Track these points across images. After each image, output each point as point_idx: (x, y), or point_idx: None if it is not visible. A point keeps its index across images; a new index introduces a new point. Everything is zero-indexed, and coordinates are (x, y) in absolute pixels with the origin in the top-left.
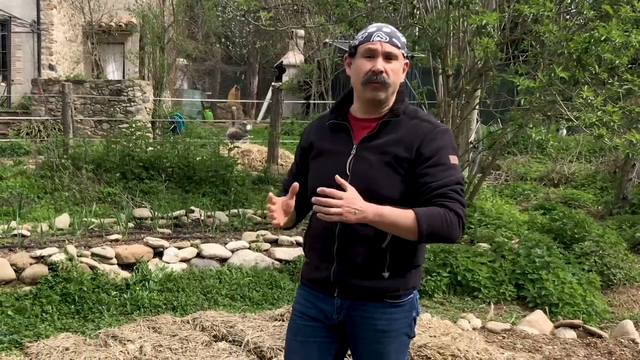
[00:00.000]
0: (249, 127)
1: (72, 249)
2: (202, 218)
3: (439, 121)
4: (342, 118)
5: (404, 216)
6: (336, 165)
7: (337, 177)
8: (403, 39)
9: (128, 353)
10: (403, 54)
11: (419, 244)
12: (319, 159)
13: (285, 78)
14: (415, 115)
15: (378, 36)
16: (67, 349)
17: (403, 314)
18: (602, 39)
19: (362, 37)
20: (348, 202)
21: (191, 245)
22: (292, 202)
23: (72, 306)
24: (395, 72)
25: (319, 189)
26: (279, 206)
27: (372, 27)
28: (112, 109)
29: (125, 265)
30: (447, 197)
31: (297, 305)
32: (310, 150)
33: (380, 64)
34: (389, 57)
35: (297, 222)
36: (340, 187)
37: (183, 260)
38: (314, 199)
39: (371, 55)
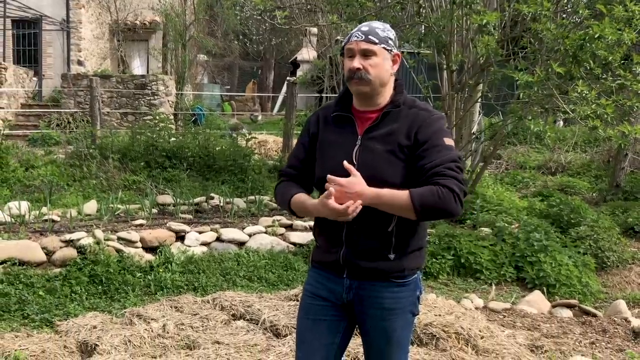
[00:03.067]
0: (259, 117)
1: (99, 233)
2: (222, 204)
3: (437, 110)
4: (346, 110)
5: (399, 196)
6: (343, 155)
7: (345, 162)
8: (385, 34)
9: (152, 331)
10: (385, 48)
11: (418, 224)
12: (325, 150)
13: (299, 73)
14: (413, 104)
15: (355, 36)
16: (94, 327)
17: (408, 293)
18: (596, 36)
19: (346, 39)
20: (347, 187)
21: (211, 230)
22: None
23: (100, 287)
24: (376, 67)
25: (328, 177)
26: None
27: (355, 29)
28: (136, 102)
29: (149, 249)
30: (441, 175)
31: (308, 286)
32: (314, 139)
33: (356, 62)
34: (366, 54)
35: None
36: (347, 172)
37: (203, 244)
38: (327, 185)
39: (351, 54)
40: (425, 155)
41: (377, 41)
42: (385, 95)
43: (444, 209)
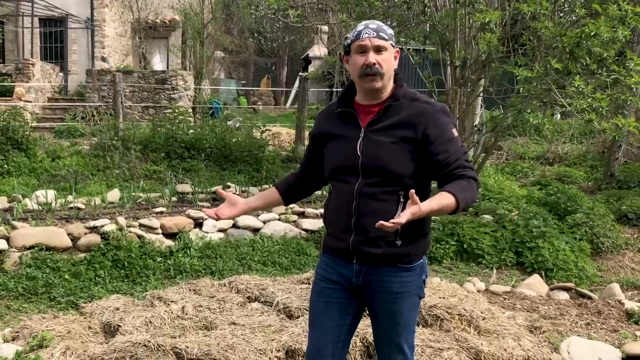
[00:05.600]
0: (260, 107)
1: (122, 220)
2: (238, 193)
3: (436, 101)
4: (349, 106)
5: (448, 203)
6: (348, 148)
7: (412, 192)
8: (390, 31)
9: (172, 312)
10: (392, 44)
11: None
12: (332, 144)
13: (311, 69)
14: (414, 97)
15: (366, 33)
16: (117, 308)
17: (414, 277)
18: (592, 34)
19: (353, 36)
20: (413, 216)
21: None
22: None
23: (122, 271)
24: (387, 62)
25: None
26: (227, 202)
27: (360, 26)
28: (157, 96)
29: (169, 235)
30: (463, 167)
31: (319, 271)
32: (321, 138)
33: (371, 57)
34: (378, 49)
35: (301, 198)
36: (354, 170)
37: (220, 230)
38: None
39: (363, 50)
40: (441, 150)
41: (386, 37)
42: (388, 89)
43: (475, 199)
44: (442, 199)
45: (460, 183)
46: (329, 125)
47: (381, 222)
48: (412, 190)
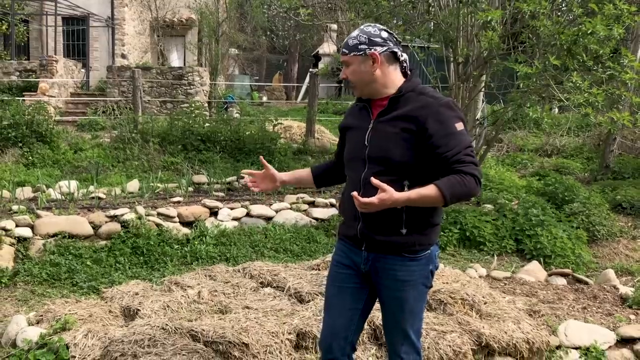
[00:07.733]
0: (264, 98)
1: (141, 209)
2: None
3: (443, 96)
4: (365, 101)
5: (428, 194)
6: (359, 138)
7: (372, 179)
8: (354, 41)
9: (188, 297)
10: (355, 54)
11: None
12: (350, 135)
13: (320, 65)
14: (422, 91)
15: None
16: (136, 293)
17: (420, 267)
18: (588, 32)
19: None
20: (381, 203)
21: (241, 206)
22: (269, 171)
23: (141, 257)
24: (352, 73)
25: (360, 199)
26: (259, 176)
27: None
28: (174, 91)
29: (186, 223)
30: (461, 162)
31: (335, 256)
32: (344, 130)
33: (342, 72)
34: (346, 64)
35: (331, 184)
36: (361, 159)
37: (234, 219)
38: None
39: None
40: (442, 143)
41: (347, 52)
42: (389, 86)
43: (469, 194)
44: (424, 190)
45: (452, 177)
46: (351, 118)
47: (353, 192)
48: (372, 177)
